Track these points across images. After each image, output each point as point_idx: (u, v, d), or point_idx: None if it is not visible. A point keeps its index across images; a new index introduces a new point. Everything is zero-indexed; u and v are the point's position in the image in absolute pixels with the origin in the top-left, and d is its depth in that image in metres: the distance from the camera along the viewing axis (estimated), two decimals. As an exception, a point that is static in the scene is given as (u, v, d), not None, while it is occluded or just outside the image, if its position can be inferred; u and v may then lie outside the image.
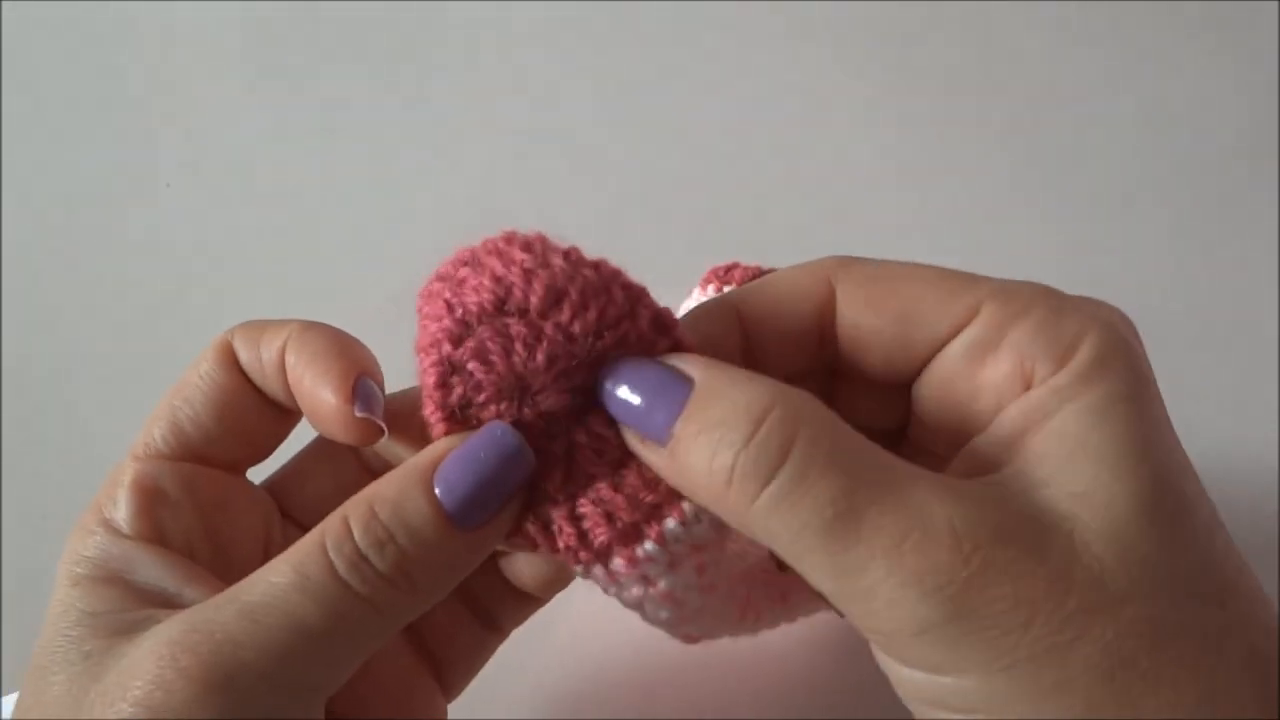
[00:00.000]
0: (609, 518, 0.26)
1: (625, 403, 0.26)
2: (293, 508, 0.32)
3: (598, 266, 0.26)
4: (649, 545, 0.26)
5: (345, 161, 0.57)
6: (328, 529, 0.25)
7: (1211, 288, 0.51)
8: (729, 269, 0.37)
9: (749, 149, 0.57)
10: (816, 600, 0.34)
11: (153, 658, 0.24)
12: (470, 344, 0.25)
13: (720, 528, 0.27)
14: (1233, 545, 0.24)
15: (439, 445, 0.26)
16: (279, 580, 0.25)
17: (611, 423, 0.26)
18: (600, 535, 0.26)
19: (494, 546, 0.27)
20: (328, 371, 0.28)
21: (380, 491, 0.26)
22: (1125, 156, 0.56)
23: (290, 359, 0.29)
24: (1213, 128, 0.57)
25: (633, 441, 0.26)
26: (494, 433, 0.26)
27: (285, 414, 0.31)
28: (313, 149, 0.57)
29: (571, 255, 0.26)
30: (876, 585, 0.22)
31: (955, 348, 0.26)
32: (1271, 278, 0.51)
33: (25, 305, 0.52)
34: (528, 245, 0.26)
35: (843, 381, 0.29)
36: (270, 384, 0.30)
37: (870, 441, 0.24)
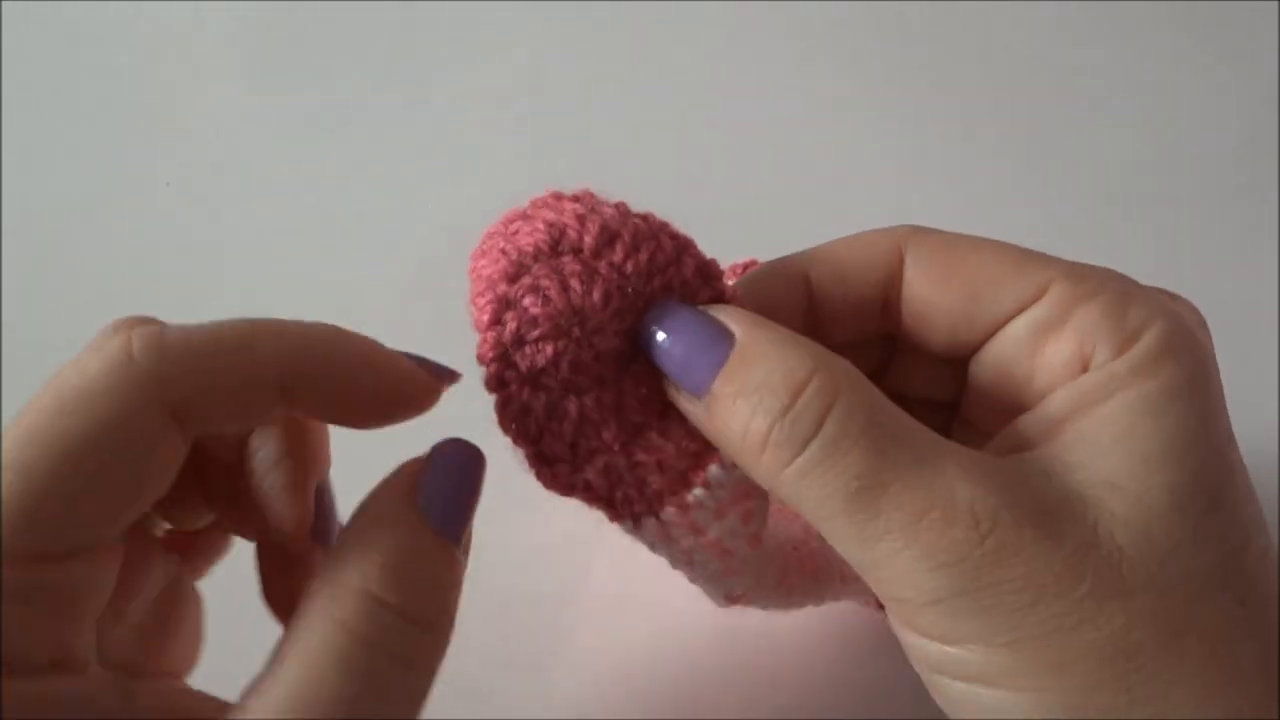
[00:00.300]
0: (660, 466, 0.26)
1: (667, 350, 0.25)
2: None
3: (646, 217, 0.27)
4: (698, 491, 0.26)
5: (346, 161, 0.57)
6: (347, 611, 0.22)
7: (1212, 287, 0.51)
8: (747, 266, 0.37)
9: (752, 148, 0.57)
10: (843, 585, 0.34)
11: None
12: (526, 280, 0.25)
13: None
14: (1272, 549, 0.24)
15: (403, 472, 0.24)
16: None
17: (657, 370, 0.26)
18: (654, 484, 0.26)
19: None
20: (294, 486, 0.26)
21: (386, 547, 0.23)
22: (1126, 157, 0.56)
23: (260, 452, 0.26)
24: (1213, 128, 0.57)
25: (670, 389, 0.26)
26: (449, 443, 0.25)
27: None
28: (313, 148, 0.57)
29: (620, 206, 0.27)
30: (893, 556, 0.23)
31: (1019, 325, 0.26)
32: (1272, 277, 0.51)
33: (25, 305, 0.52)
34: (577, 197, 0.26)
35: (901, 351, 0.29)
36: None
37: (906, 415, 0.24)
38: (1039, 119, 0.58)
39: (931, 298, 0.27)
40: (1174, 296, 0.27)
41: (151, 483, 0.23)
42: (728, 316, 0.25)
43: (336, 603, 0.22)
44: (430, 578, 0.23)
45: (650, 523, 0.27)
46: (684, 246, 0.27)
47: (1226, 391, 0.26)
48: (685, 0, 0.62)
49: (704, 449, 0.26)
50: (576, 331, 0.25)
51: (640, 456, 0.26)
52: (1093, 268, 0.26)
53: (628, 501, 0.26)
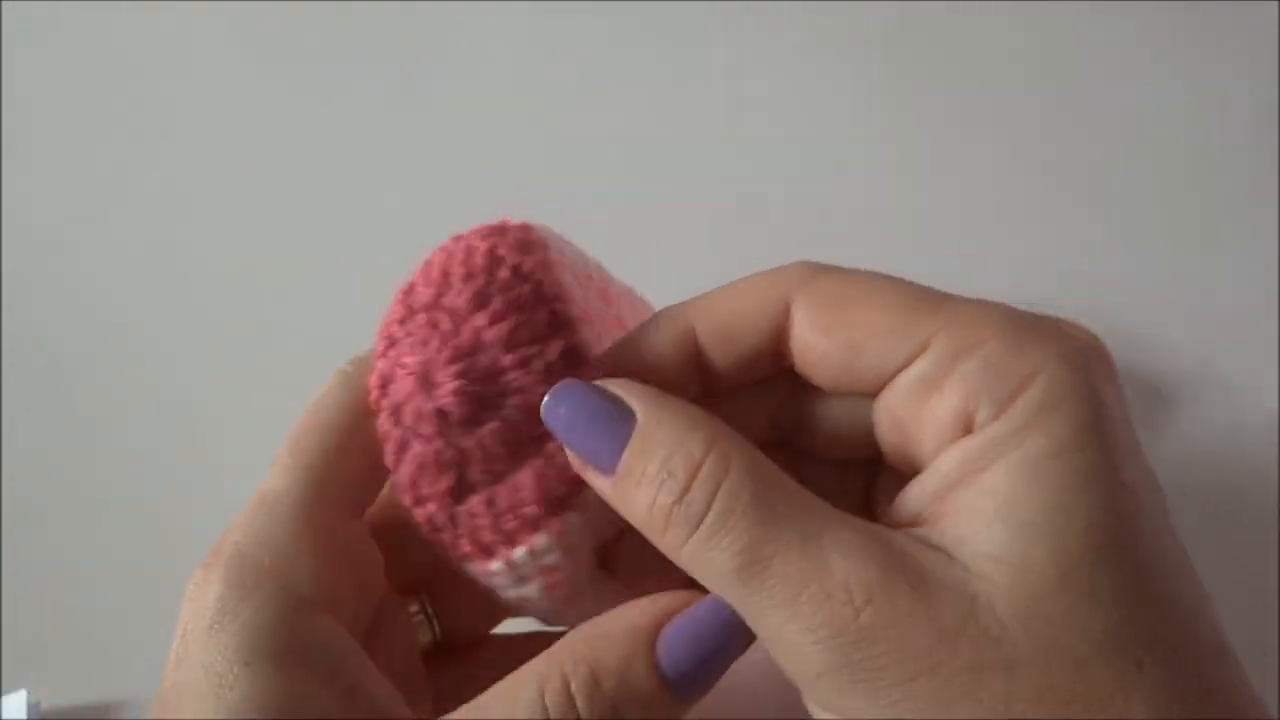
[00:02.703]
0: (474, 535, 0.27)
1: (569, 426, 0.26)
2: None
3: (539, 284, 0.27)
4: (496, 564, 0.27)
5: (348, 161, 0.57)
6: (547, 686, 0.25)
7: (1211, 288, 0.51)
8: None
9: (758, 151, 0.57)
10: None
11: None
12: (409, 326, 0.27)
13: (572, 554, 0.28)
14: (1188, 596, 0.23)
15: (660, 605, 0.26)
16: None
17: (501, 440, 0.27)
18: (463, 549, 0.27)
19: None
20: None
21: (603, 658, 0.25)
22: (1127, 157, 0.56)
23: None
24: (1213, 128, 0.57)
25: (575, 462, 0.26)
26: (717, 605, 0.26)
27: None
28: (314, 149, 0.57)
29: (524, 267, 0.27)
30: (779, 631, 0.23)
31: (903, 380, 0.26)
32: (1272, 277, 0.51)
33: (25, 306, 0.52)
34: (492, 250, 0.28)
35: (812, 393, 0.29)
36: None
37: (797, 488, 0.25)
38: (1039, 119, 0.58)
39: (816, 348, 0.27)
40: (1070, 333, 0.26)
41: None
42: (627, 392, 0.26)
43: (542, 666, 0.25)
44: (626, 715, 0.25)
45: (465, 566, 0.28)
46: (562, 325, 0.27)
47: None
48: (694, 1, 0.62)
49: (519, 528, 0.27)
50: (428, 382, 0.27)
51: (462, 516, 0.27)
52: (984, 311, 0.25)
53: (447, 546, 0.28)
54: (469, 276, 0.27)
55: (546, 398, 0.26)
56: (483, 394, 0.27)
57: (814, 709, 0.24)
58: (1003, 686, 0.22)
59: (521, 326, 0.27)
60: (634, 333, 0.28)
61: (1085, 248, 0.54)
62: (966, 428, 0.24)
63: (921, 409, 0.25)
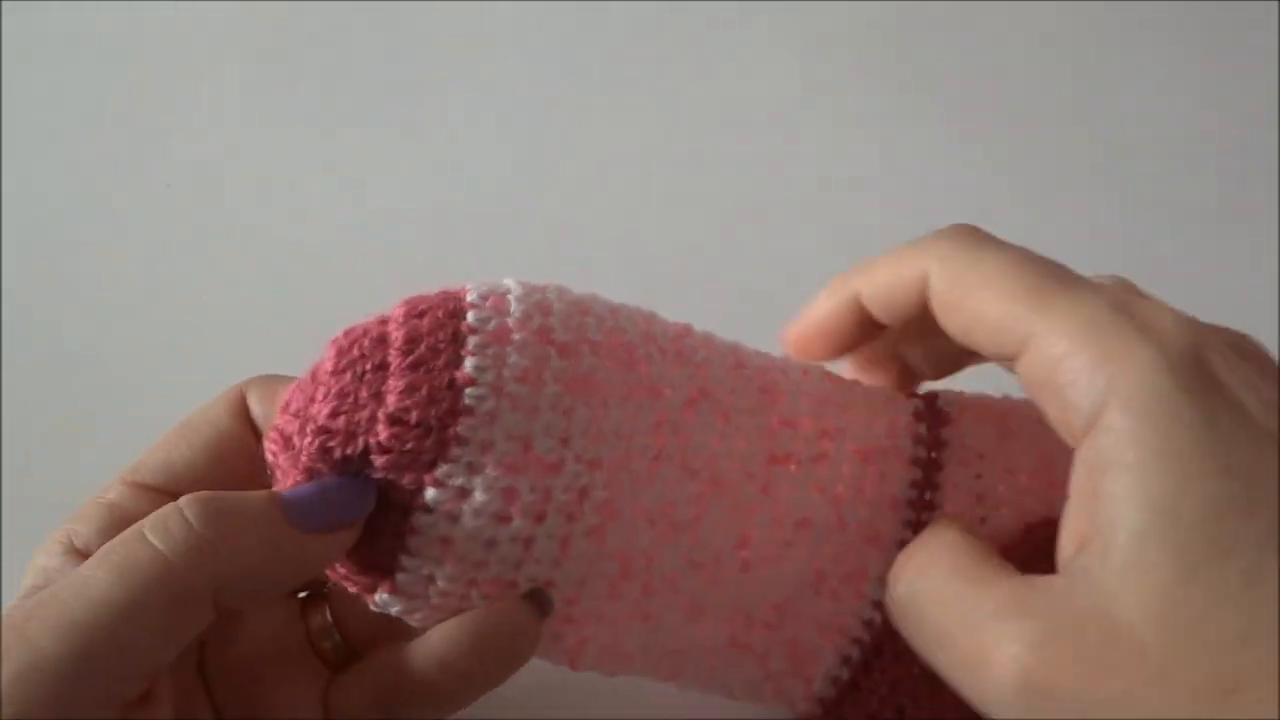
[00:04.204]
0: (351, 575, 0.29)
1: None
2: None
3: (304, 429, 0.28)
4: (371, 601, 0.29)
5: (347, 162, 0.57)
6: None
7: (1210, 287, 0.51)
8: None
9: (759, 155, 0.57)
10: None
11: None
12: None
13: (417, 600, 0.29)
14: None
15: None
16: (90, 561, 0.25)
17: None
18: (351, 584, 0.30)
19: (327, 557, 0.28)
20: None
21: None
22: (1125, 156, 0.56)
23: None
24: (1213, 127, 0.57)
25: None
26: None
27: None
28: (314, 149, 0.57)
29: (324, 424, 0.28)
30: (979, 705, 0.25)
31: (1019, 369, 0.27)
32: (1272, 277, 0.51)
33: (23, 307, 0.52)
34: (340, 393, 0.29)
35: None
36: None
37: (953, 590, 0.27)
38: (1042, 119, 0.58)
39: (943, 320, 0.29)
40: (1156, 322, 0.25)
41: (227, 454, 0.31)
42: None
43: None
44: (218, 502, 0.26)
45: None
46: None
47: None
48: (704, 1, 0.62)
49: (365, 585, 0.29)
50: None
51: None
52: (1081, 314, 0.26)
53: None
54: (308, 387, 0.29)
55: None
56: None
57: None
58: (1163, 694, 0.22)
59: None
60: (810, 308, 0.32)
61: (1083, 247, 0.54)
62: (1071, 435, 0.26)
63: (1039, 399, 0.27)
